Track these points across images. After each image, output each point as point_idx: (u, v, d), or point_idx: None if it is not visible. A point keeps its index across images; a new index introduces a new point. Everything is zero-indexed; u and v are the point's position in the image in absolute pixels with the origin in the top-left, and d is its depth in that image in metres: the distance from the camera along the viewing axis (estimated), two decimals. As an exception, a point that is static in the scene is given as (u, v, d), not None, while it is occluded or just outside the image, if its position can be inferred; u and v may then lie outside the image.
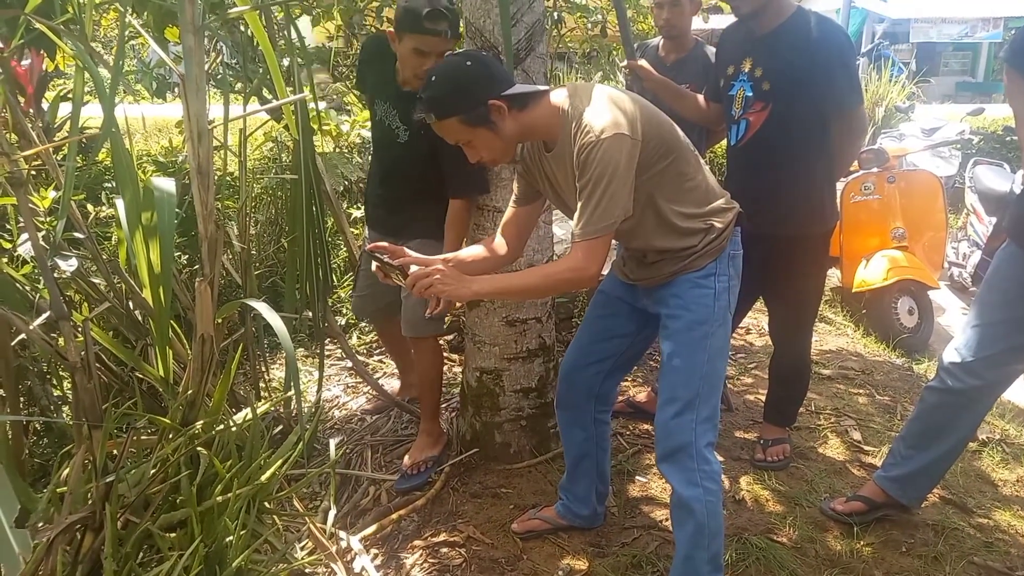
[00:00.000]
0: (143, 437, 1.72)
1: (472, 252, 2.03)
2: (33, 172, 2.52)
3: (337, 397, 3.43)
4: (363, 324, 4.14)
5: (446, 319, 2.81)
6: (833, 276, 5.18)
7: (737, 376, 3.46)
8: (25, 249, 2.18)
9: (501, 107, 1.73)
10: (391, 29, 2.38)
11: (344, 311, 4.21)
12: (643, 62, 2.93)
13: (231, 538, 1.42)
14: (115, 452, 1.57)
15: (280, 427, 2.95)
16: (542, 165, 1.91)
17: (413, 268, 1.79)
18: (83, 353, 1.40)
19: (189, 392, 1.63)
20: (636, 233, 1.88)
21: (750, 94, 2.53)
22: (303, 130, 2.59)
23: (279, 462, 1.60)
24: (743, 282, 1.98)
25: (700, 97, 2.80)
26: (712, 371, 1.89)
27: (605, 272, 2.17)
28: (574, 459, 2.27)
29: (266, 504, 1.63)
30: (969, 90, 16.28)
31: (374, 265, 1.81)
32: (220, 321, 1.63)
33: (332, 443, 2.15)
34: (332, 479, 2.16)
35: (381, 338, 3.36)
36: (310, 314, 2.84)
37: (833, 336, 4.10)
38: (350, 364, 3.74)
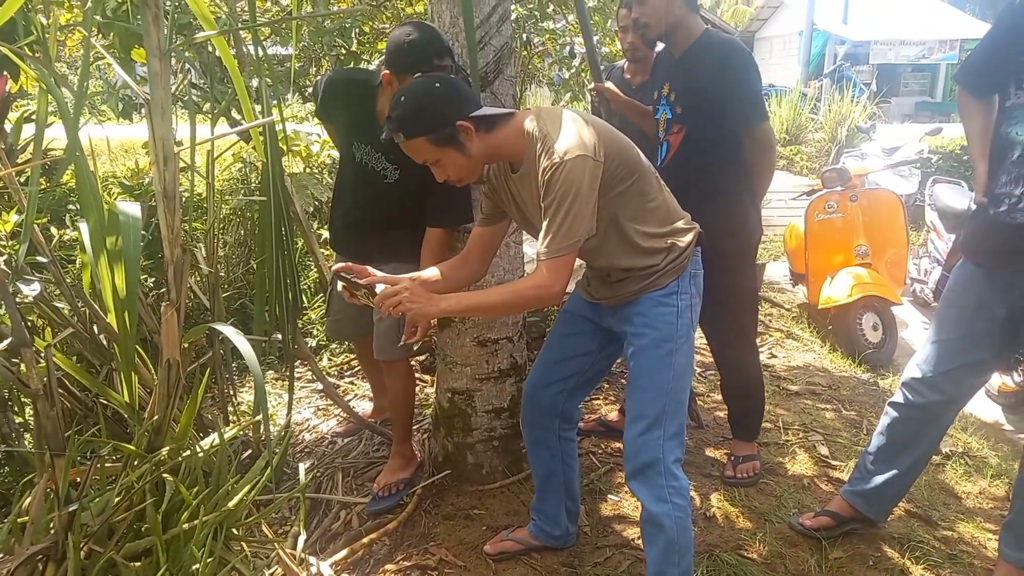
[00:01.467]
0: (108, 464, 1.69)
1: (438, 272, 2.05)
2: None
3: (308, 420, 3.40)
4: (334, 345, 4.12)
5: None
6: (800, 293, 5.27)
7: (707, 393, 3.49)
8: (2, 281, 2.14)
9: (468, 128, 1.76)
10: (385, 71, 2.28)
11: (315, 332, 4.18)
12: (609, 84, 2.98)
13: (197, 566, 1.39)
14: (79, 480, 1.54)
15: (249, 451, 2.90)
16: (508, 186, 1.94)
17: (379, 287, 1.80)
18: (45, 380, 1.37)
19: (155, 418, 1.61)
20: (600, 252, 1.92)
21: (669, 116, 2.64)
22: (271, 151, 2.58)
23: (247, 488, 1.58)
24: None
25: None
26: (678, 388, 1.92)
27: (570, 291, 2.20)
28: (542, 478, 2.28)
29: (234, 531, 1.61)
30: (928, 109, 16.74)
31: (340, 285, 1.81)
32: (187, 345, 1.61)
33: (302, 467, 2.12)
34: (302, 504, 2.13)
35: (359, 359, 3.33)
36: (279, 336, 2.82)
37: (800, 352, 4.16)
38: (321, 387, 3.71)
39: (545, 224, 1.76)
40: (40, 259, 2.25)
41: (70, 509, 1.32)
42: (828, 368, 3.91)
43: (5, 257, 2.20)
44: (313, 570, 2.16)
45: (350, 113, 2.53)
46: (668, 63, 2.68)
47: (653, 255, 1.91)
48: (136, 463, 1.58)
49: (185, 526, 1.44)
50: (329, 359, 4.00)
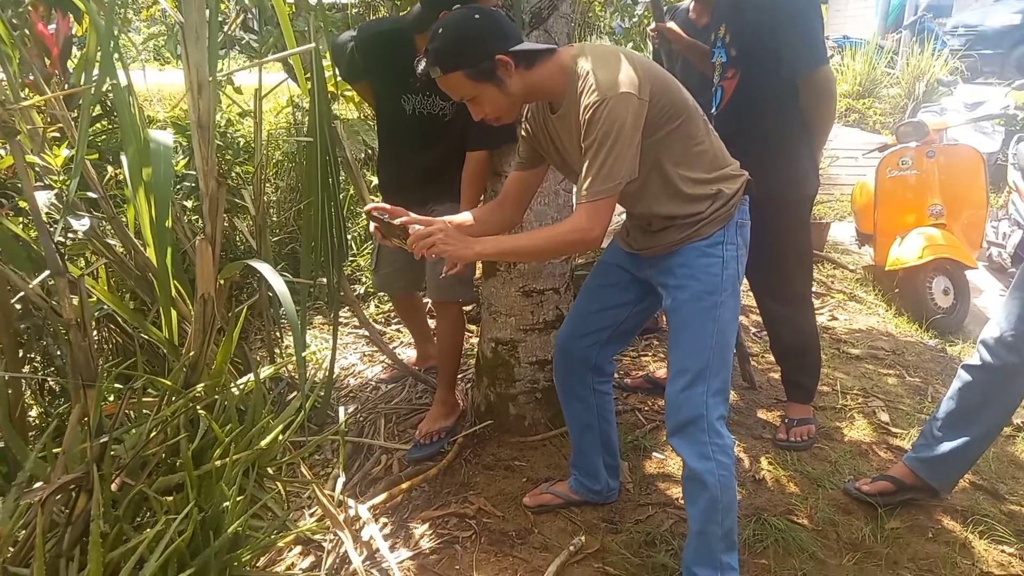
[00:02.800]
0: (146, 399, 1.69)
1: (472, 216, 1.98)
2: (56, 134, 2.50)
3: (353, 365, 3.40)
4: (382, 293, 4.11)
5: (473, 286, 2.74)
6: (866, 254, 5.03)
7: (761, 354, 3.36)
8: (36, 206, 2.15)
9: (508, 63, 1.68)
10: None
11: (363, 279, 4.17)
12: (672, 24, 2.82)
13: (227, 504, 1.38)
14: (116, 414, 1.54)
15: (294, 393, 2.92)
16: (547, 127, 1.86)
17: (413, 228, 1.74)
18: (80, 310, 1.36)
19: (191, 354, 1.59)
20: (641, 197, 1.82)
21: (724, 60, 2.48)
22: (317, 91, 2.52)
23: (280, 427, 1.55)
24: None
25: None
26: (722, 342, 1.84)
27: (607, 243, 2.11)
28: (578, 432, 2.22)
29: (268, 470, 1.59)
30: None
31: (372, 226, 1.76)
32: (223, 282, 1.58)
33: (342, 410, 2.10)
34: (341, 446, 2.11)
35: (398, 310, 3.31)
36: (325, 280, 2.80)
37: (863, 315, 3.97)
38: (367, 333, 3.71)
39: (585, 165, 1.67)
40: (91, 195, 2.26)
41: (101, 440, 1.31)
42: (892, 332, 3.72)
43: (56, 191, 2.22)
44: (351, 512, 2.15)
45: (391, 66, 2.43)
46: (727, 2, 2.51)
47: (698, 202, 1.81)
48: (172, 399, 1.57)
49: (217, 463, 1.43)
50: (376, 306, 3.99)
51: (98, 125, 3.26)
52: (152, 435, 1.47)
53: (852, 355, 3.35)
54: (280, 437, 1.55)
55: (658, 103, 1.70)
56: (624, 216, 2.05)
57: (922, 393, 3.05)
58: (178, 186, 3.51)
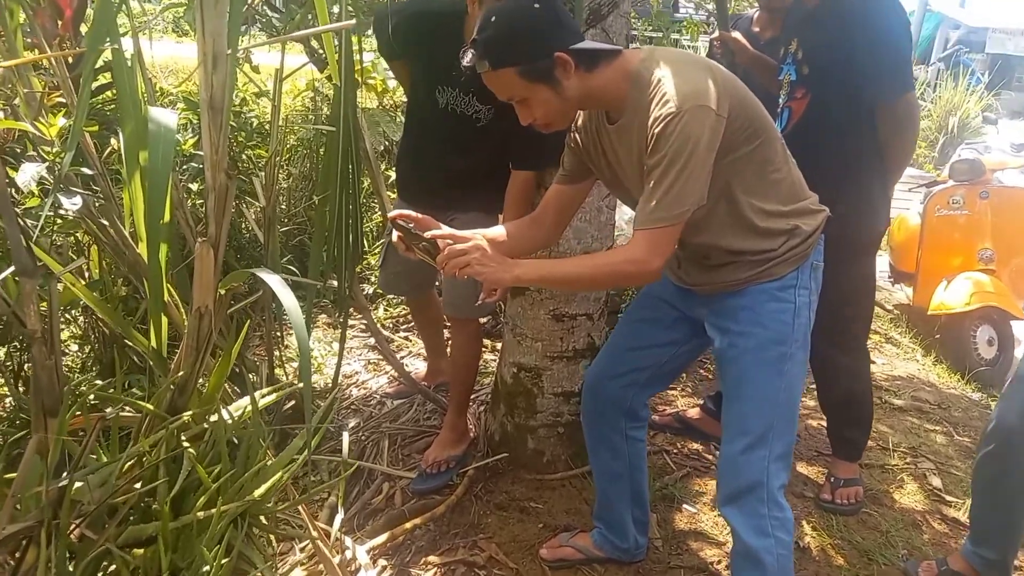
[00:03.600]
0: (125, 416, 1.44)
1: (504, 232, 1.73)
2: (62, 99, 2.26)
3: (356, 373, 3.16)
4: (392, 296, 3.86)
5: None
6: (900, 293, 4.79)
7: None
8: (24, 179, 1.91)
9: (568, 62, 1.45)
10: None
11: (372, 279, 3.91)
12: (737, 34, 2.57)
13: (208, 568, 1.13)
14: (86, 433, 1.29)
15: (292, 402, 2.68)
16: (600, 139, 1.63)
17: (444, 242, 1.50)
18: (46, 319, 1.11)
19: (180, 374, 1.34)
20: (703, 227, 1.57)
21: (794, 78, 2.23)
22: (346, 78, 2.28)
23: (279, 474, 1.31)
24: None
25: None
26: (789, 399, 1.62)
27: None
28: (605, 482, 1.98)
29: (261, 519, 1.35)
30: (1043, 107, 15.45)
31: (395, 235, 1.52)
32: (224, 292, 1.33)
33: (346, 436, 1.86)
34: (341, 480, 1.87)
35: (413, 316, 3.05)
36: (335, 282, 2.55)
37: (902, 360, 3.73)
38: (374, 340, 3.47)
39: (650, 186, 1.44)
40: (87, 171, 2.02)
41: (59, 484, 1.07)
42: (935, 383, 3.47)
43: (47, 164, 1.97)
44: (348, 554, 1.90)
45: (432, 51, 2.17)
46: (801, 14, 2.28)
47: (771, 238, 1.57)
48: (153, 427, 1.32)
49: (200, 514, 1.19)
50: (385, 310, 3.74)
51: (108, 94, 3.02)
52: (126, 470, 1.22)
53: (896, 406, 3.10)
54: (278, 482, 1.30)
55: (736, 120, 1.46)
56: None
57: (973, 456, 2.79)
58: (184, 167, 3.26)
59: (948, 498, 2.48)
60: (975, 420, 3.12)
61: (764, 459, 1.59)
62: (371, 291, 3.81)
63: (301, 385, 1.35)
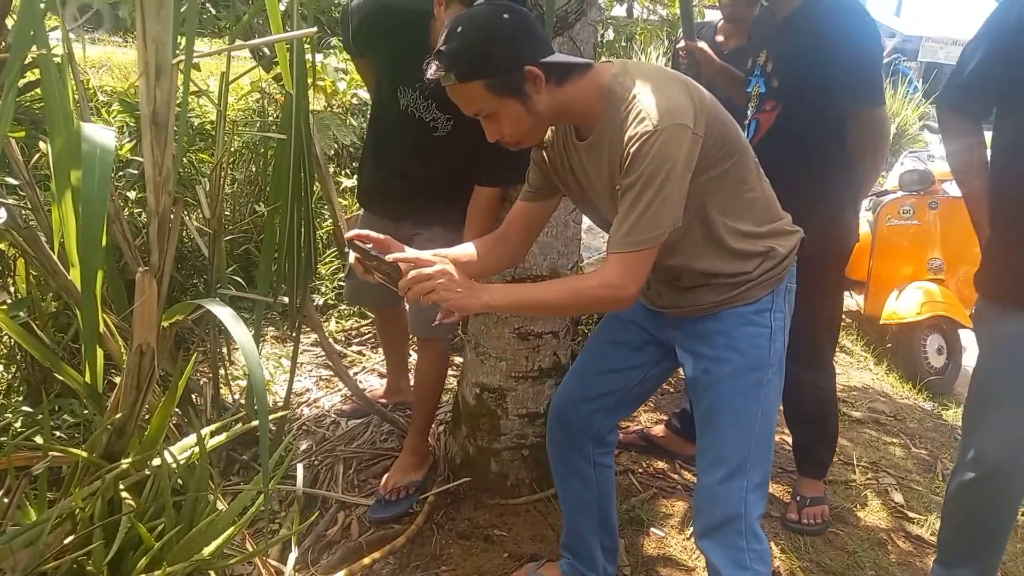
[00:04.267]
0: (60, 448, 1.29)
1: (473, 252, 1.64)
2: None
3: (308, 391, 3.01)
4: (343, 307, 3.71)
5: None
6: (850, 301, 4.85)
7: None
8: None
9: (538, 76, 1.36)
10: None
11: (323, 289, 3.76)
12: (703, 45, 2.53)
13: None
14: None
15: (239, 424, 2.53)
16: (568, 155, 1.55)
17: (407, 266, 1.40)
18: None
19: (117, 416, 1.21)
20: (678, 249, 1.51)
21: (763, 91, 2.20)
22: (298, 85, 2.15)
23: (230, 531, 1.18)
24: None
25: None
26: (765, 427, 1.57)
27: None
28: (572, 510, 1.90)
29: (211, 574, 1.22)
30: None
31: (352, 256, 1.41)
32: (167, 325, 1.20)
33: (300, 467, 1.73)
34: (296, 517, 1.74)
35: (379, 329, 2.91)
36: (286, 298, 2.41)
37: (856, 370, 3.76)
38: (327, 357, 3.32)
39: (624, 208, 1.37)
40: (11, 181, 1.85)
41: (-22, 552, 0.93)
42: (888, 392, 3.51)
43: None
44: (302, 595, 1.77)
45: (395, 49, 2.06)
46: (768, 25, 2.24)
47: (745, 260, 1.52)
48: (88, 472, 1.18)
49: (141, 578, 1.06)
50: (337, 322, 3.60)
51: (37, 91, 2.81)
52: (56, 526, 1.08)
53: (854, 418, 3.11)
54: (229, 538, 1.18)
55: (711, 138, 1.40)
56: None
57: (931, 469, 2.81)
58: (119, 173, 3.06)
59: (911, 514, 2.47)
60: (930, 431, 3.15)
61: (742, 489, 1.54)
62: (321, 302, 3.66)
63: (254, 424, 1.23)
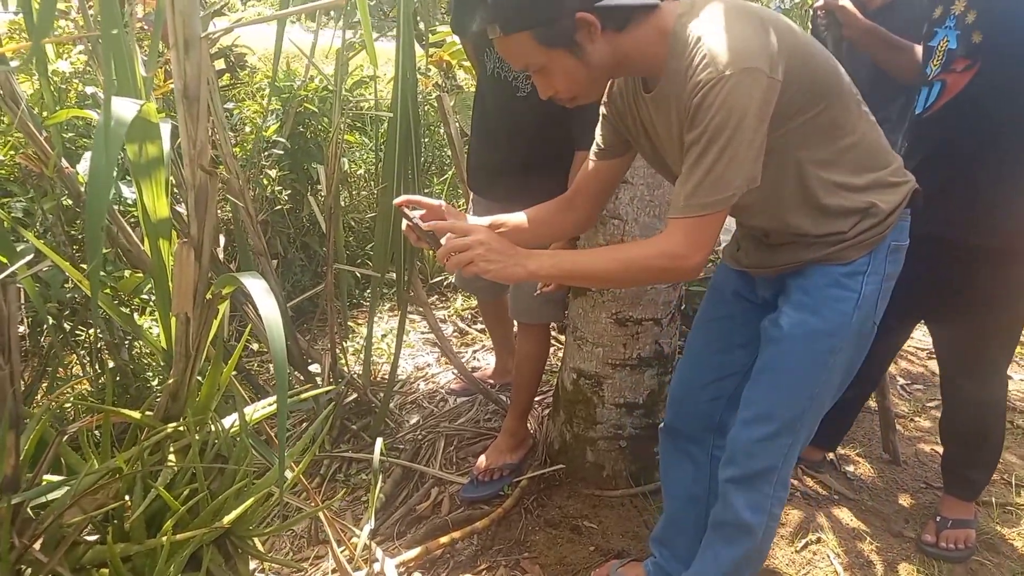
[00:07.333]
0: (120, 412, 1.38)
1: (524, 219, 1.54)
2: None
3: (427, 366, 3.07)
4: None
5: (565, 306, 2.31)
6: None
7: (911, 416, 2.74)
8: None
9: (592, 23, 1.22)
10: None
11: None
12: (846, 2, 2.23)
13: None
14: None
15: (355, 395, 2.63)
16: (638, 109, 1.41)
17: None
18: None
19: (170, 382, 1.26)
20: (766, 207, 1.36)
21: (954, 46, 1.81)
22: (404, 60, 2.16)
23: (248, 503, 1.20)
24: (900, 297, 1.48)
25: (919, 49, 2.05)
26: (825, 393, 1.44)
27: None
28: (678, 504, 1.76)
29: (251, 542, 1.25)
30: None
31: (404, 224, 1.36)
32: (210, 296, 1.24)
33: (379, 441, 1.74)
34: (373, 489, 1.76)
35: (483, 314, 2.92)
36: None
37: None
38: (448, 329, 3.37)
39: (687, 167, 1.22)
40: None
41: (14, 501, 1.01)
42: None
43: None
44: (376, 567, 1.79)
45: None
46: None
47: (842, 217, 1.34)
48: (147, 438, 1.25)
49: (163, 539, 1.10)
50: (464, 301, 3.64)
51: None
52: (100, 485, 1.15)
53: (1022, 429, 2.67)
54: (248, 511, 1.20)
55: (795, 83, 1.22)
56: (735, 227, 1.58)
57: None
58: (267, 152, 3.27)
59: (1086, 550, 2.08)
60: None
61: (785, 446, 1.45)
62: (450, 279, 3.72)
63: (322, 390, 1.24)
